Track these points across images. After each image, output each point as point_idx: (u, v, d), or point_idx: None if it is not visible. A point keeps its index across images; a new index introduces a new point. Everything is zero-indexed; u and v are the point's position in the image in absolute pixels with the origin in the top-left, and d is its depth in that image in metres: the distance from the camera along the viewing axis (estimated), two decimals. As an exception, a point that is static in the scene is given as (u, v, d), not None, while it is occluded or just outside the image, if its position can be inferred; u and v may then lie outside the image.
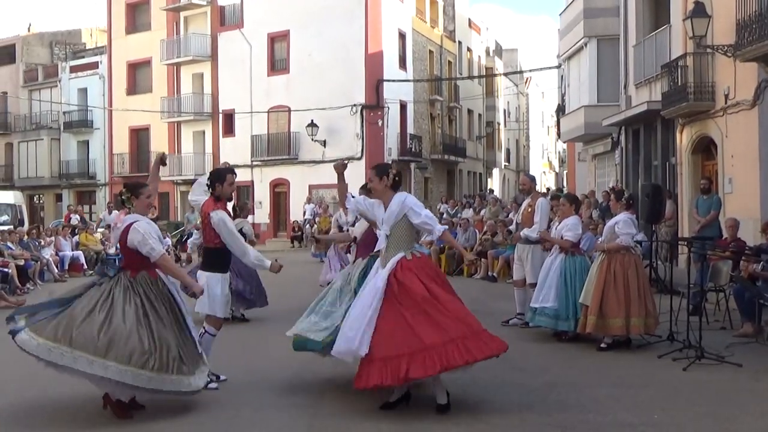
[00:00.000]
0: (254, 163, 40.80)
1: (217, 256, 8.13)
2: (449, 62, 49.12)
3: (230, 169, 8.35)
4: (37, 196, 52.13)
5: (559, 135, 37.72)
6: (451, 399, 7.46)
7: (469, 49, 53.79)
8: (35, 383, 8.43)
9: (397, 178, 7.62)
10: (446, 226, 7.24)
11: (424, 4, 45.45)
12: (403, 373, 6.82)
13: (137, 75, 46.86)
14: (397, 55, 40.77)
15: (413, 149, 41.57)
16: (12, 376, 9.01)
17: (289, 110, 39.58)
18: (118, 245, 7.85)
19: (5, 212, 30.80)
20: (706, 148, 19.98)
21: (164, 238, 25.43)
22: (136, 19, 47.12)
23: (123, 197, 7.40)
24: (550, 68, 48.26)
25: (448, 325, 7.01)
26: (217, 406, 7.48)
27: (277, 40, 40.83)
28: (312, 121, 37.31)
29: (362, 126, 38.06)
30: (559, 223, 11.35)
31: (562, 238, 10.95)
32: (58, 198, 51.02)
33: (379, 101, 38.21)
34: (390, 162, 8.00)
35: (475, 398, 7.74)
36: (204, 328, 8.17)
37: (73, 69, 49.78)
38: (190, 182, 41.09)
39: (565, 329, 10.76)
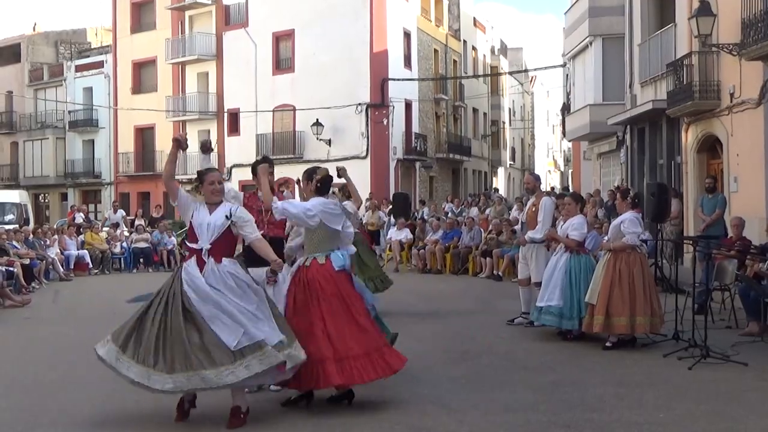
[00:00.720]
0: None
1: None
2: (454, 61, 49.10)
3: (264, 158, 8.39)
4: (42, 195, 52.21)
5: (564, 134, 37.75)
6: (456, 397, 7.46)
7: (474, 48, 53.74)
8: (38, 383, 8.45)
9: (319, 185, 7.61)
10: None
11: (429, 3, 45.43)
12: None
13: (142, 74, 46.94)
14: (402, 54, 40.76)
15: (418, 148, 41.56)
16: (16, 375, 9.04)
17: (294, 109, 39.58)
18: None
19: (10, 211, 30.86)
20: (711, 147, 19.96)
21: (169, 237, 25.48)
22: (141, 18, 47.19)
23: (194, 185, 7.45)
24: (555, 67, 48.33)
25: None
26: (223, 404, 7.47)
27: (282, 40, 40.84)
28: (317, 120, 37.28)
29: (367, 125, 38.05)
30: (564, 222, 11.36)
31: (567, 237, 10.96)
32: (64, 197, 51.09)
33: (384, 100, 38.20)
34: (320, 167, 7.76)
35: (480, 397, 7.74)
36: None
37: (79, 68, 49.87)
38: (195, 181, 41.14)
39: (569, 328, 10.77)
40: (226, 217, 7.08)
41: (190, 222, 7.15)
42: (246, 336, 6.77)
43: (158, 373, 6.60)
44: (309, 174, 7.71)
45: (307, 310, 7.22)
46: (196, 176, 7.51)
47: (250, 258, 7.96)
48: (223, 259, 7.03)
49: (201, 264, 6.97)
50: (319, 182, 7.60)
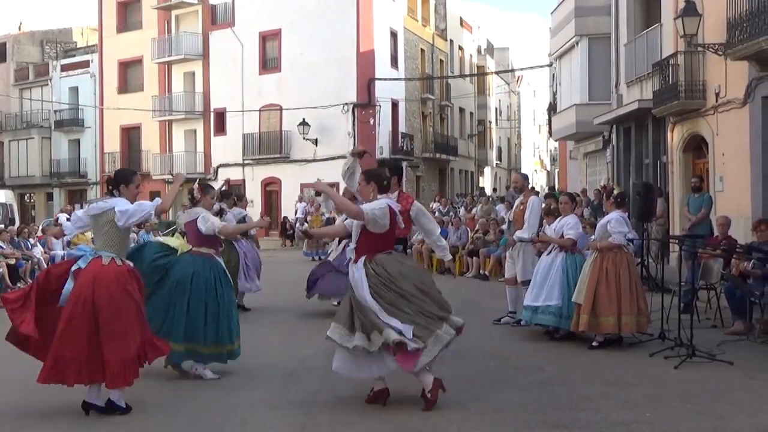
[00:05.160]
0: (246, 161, 40.79)
1: None
2: (441, 61, 49.15)
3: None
4: (28, 195, 52.03)
5: (550, 133, 37.79)
6: (444, 396, 7.48)
7: (460, 48, 53.83)
8: (25, 382, 8.42)
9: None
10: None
11: (416, 2, 45.44)
12: None
13: (128, 74, 46.81)
14: (388, 53, 40.79)
15: (405, 148, 41.56)
16: (3, 374, 8.99)
17: (281, 109, 39.56)
18: None
19: (-4, 211, 30.72)
20: (697, 147, 20.04)
21: (155, 236, 25.35)
22: (127, 17, 47.05)
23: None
24: (541, 67, 48.50)
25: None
26: (210, 405, 7.47)
27: (269, 39, 40.82)
28: (303, 119, 37.29)
29: (354, 124, 38.07)
30: (550, 223, 11.40)
31: (563, 236, 10.95)
32: (49, 197, 50.94)
33: (371, 100, 38.22)
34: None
35: (468, 396, 7.74)
36: None
37: (64, 68, 49.71)
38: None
39: (568, 327, 10.73)
40: None
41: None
42: None
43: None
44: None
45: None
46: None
47: None
48: None
49: None
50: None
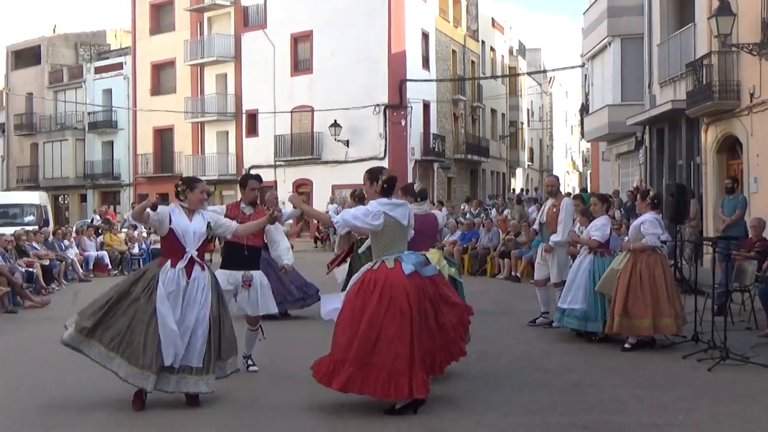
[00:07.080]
0: (277, 163, 40.90)
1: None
2: (472, 62, 49.06)
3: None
4: (61, 196, 52.49)
5: (582, 134, 37.62)
6: (473, 398, 7.45)
7: (492, 49, 53.67)
8: (56, 382, 8.47)
9: (385, 186, 7.24)
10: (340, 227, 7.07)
11: (447, 3, 45.43)
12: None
13: (161, 75, 47.15)
14: (420, 54, 40.78)
15: (436, 149, 41.56)
16: (34, 375, 9.07)
17: (312, 110, 39.65)
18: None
19: (30, 212, 30.99)
20: (731, 147, 19.85)
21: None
22: (160, 19, 47.40)
23: (178, 189, 7.65)
24: (573, 67, 48.19)
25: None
26: (240, 405, 7.48)
27: (300, 41, 40.92)
28: (335, 121, 37.33)
29: (385, 126, 38.07)
30: (584, 224, 11.34)
31: (590, 238, 10.90)
32: (83, 198, 51.40)
33: (402, 101, 38.21)
34: (383, 167, 7.62)
35: (498, 398, 7.72)
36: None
37: (98, 70, 50.18)
38: (213, 182, 41.29)
39: (594, 330, 10.66)
40: (208, 225, 7.57)
41: (170, 228, 7.46)
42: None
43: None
44: (374, 174, 7.35)
45: (375, 315, 6.93)
46: (182, 181, 7.83)
47: (229, 261, 8.73)
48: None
49: (188, 270, 7.36)
50: (385, 183, 7.24)
